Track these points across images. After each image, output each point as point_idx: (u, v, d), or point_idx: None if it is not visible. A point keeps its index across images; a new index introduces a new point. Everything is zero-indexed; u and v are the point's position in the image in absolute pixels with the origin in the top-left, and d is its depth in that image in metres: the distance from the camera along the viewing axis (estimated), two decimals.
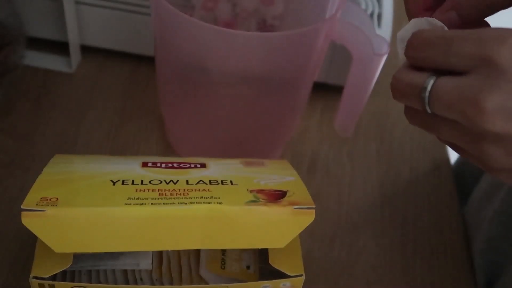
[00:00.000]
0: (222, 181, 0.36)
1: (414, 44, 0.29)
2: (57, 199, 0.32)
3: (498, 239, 0.44)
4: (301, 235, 0.35)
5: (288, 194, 0.35)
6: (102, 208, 0.32)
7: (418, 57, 0.29)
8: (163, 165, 0.39)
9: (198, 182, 0.36)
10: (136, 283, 0.37)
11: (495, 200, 0.45)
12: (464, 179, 0.58)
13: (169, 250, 0.38)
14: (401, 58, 0.31)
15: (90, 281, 0.37)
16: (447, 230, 0.52)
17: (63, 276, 0.36)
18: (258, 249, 0.39)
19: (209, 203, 0.33)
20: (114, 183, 0.35)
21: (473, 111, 0.25)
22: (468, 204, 0.51)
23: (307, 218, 0.34)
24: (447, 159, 0.58)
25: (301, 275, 0.36)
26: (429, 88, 0.28)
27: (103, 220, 0.32)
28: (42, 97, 0.57)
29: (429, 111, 0.28)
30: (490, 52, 0.25)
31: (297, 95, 0.49)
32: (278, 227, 0.34)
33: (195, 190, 0.35)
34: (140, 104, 0.58)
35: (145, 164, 0.39)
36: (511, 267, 0.42)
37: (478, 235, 0.46)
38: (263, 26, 0.53)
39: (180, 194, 0.34)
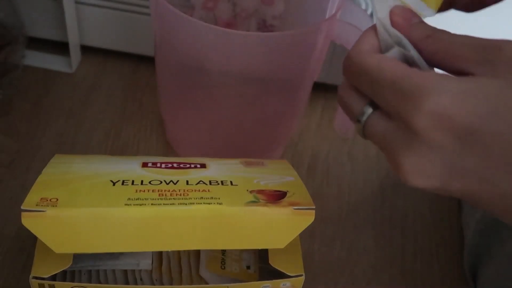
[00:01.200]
0: (222, 182, 0.36)
1: (348, 68, 0.30)
2: (57, 199, 0.32)
3: (476, 247, 0.45)
4: (301, 235, 0.35)
5: (288, 195, 0.35)
6: (102, 209, 0.32)
7: (352, 81, 0.30)
8: (163, 165, 0.39)
9: (198, 183, 0.36)
10: (136, 283, 0.37)
11: (477, 210, 0.46)
12: None
13: (169, 250, 0.38)
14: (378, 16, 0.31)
15: (90, 281, 0.37)
16: (447, 230, 0.52)
17: (63, 276, 0.36)
18: (258, 249, 0.39)
19: (209, 203, 0.33)
20: (114, 184, 0.35)
21: (394, 165, 0.27)
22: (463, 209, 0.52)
23: (307, 218, 0.34)
24: None
25: (301, 275, 0.36)
26: (364, 118, 0.29)
27: (103, 221, 0.32)
28: (42, 97, 0.57)
29: (363, 136, 0.30)
30: (406, 113, 0.26)
31: (297, 95, 0.49)
32: (278, 228, 0.34)
33: (195, 190, 0.35)
34: (140, 104, 0.58)
35: (145, 164, 0.39)
36: (486, 270, 0.42)
37: (465, 242, 0.47)
38: (263, 26, 0.53)
39: (180, 195, 0.34)
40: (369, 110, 0.29)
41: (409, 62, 0.29)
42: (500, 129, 0.24)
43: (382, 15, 0.31)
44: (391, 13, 0.30)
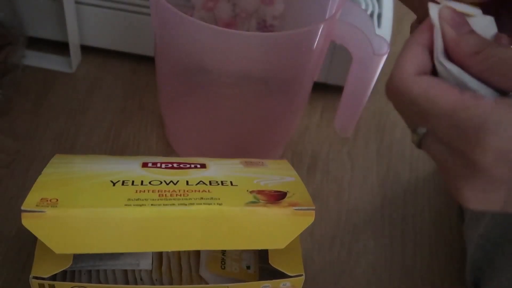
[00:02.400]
0: (222, 182, 0.36)
1: (392, 93, 0.27)
2: (57, 200, 0.32)
3: (479, 261, 0.45)
4: (301, 235, 0.35)
5: (288, 195, 0.35)
6: (102, 209, 0.32)
7: (398, 108, 0.27)
8: (163, 166, 0.39)
9: (198, 183, 0.36)
10: (136, 283, 0.37)
11: (480, 225, 0.46)
12: None
13: (169, 250, 0.38)
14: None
15: (90, 281, 0.37)
16: (447, 230, 0.52)
17: (63, 276, 0.36)
18: (258, 249, 0.39)
19: (209, 204, 0.33)
20: (114, 184, 0.35)
21: (454, 190, 0.26)
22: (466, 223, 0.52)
23: (307, 219, 0.34)
24: None
25: (301, 275, 0.36)
26: (420, 134, 0.27)
27: (103, 221, 0.32)
28: (42, 97, 0.57)
29: (418, 147, 0.28)
30: (467, 149, 0.24)
31: (297, 95, 0.49)
32: (278, 228, 0.34)
33: (195, 191, 0.35)
34: (140, 104, 0.58)
35: (145, 165, 0.39)
36: (490, 285, 0.42)
37: (468, 256, 0.47)
38: (263, 26, 0.53)
39: (180, 195, 0.34)
40: (423, 129, 0.27)
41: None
42: None
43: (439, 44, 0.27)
44: (440, 16, 0.27)
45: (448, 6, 0.28)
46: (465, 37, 0.27)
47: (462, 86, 0.27)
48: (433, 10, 0.28)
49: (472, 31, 0.27)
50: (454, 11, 0.28)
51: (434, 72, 0.28)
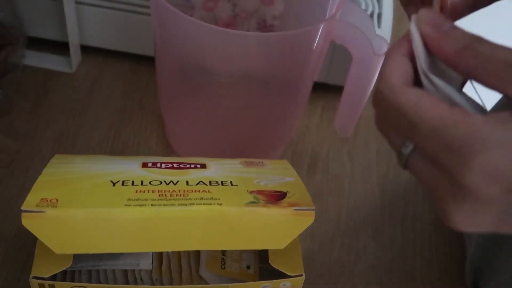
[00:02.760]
0: (222, 182, 0.36)
1: (379, 104, 0.26)
2: (57, 200, 0.32)
3: (478, 261, 0.45)
4: (301, 235, 0.35)
5: (288, 195, 0.35)
6: (102, 209, 0.32)
7: (386, 119, 0.27)
8: (163, 166, 0.39)
9: (198, 183, 0.36)
10: (136, 283, 0.37)
11: None
12: None
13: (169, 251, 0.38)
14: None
15: (90, 281, 0.37)
16: (446, 230, 0.52)
17: (63, 276, 0.36)
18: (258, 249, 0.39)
19: (209, 204, 0.33)
20: (114, 184, 0.35)
21: (442, 212, 0.25)
22: None
23: (307, 219, 0.34)
24: None
25: (301, 275, 0.36)
26: (406, 152, 0.26)
27: (103, 222, 0.32)
28: (42, 97, 0.57)
29: (404, 168, 0.27)
30: (454, 168, 0.23)
31: (297, 95, 0.49)
32: (278, 229, 0.34)
33: (195, 191, 0.35)
34: (140, 104, 0.58)
35: (145, 165, 0.39)
36: (489, 285, 0.42)
37: (467, 256, 0.47)
38: (263, 26, 0.53)
39: (180, 195, 0.34)
40: (411, 146, 0.26)
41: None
42: None
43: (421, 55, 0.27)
44: (418, 21, 0.26)
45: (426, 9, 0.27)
46: (449, 33, 0.26)
47: (447, 100, 0.26)
48: (413, 23, 0.27)
49: (455, 26, 0.26)
50: (433, 12, 0.27)
51: (417, 84, 0.27)
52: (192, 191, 0.35)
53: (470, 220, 0.25)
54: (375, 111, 0.27)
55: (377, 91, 0.26)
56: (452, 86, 0.27)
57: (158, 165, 0.39)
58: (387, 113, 0.26)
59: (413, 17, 0.27)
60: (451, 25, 0.26)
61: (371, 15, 0.57)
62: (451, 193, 0.24)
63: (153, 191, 0.34)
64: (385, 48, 0.42)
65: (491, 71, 0.24)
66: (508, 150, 0.22)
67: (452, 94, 0.26)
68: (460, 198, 0.24)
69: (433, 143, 0.24)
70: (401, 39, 0.27)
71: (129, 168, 0.38)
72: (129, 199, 0.33)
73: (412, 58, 0.27)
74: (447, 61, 0.26)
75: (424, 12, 0.26)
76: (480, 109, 0.27)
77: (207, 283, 0.38)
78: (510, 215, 0.24)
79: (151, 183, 0.35)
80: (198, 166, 0.39)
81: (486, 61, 0.24)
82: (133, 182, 0.35)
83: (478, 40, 0.25)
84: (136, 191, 0.34)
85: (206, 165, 0.40)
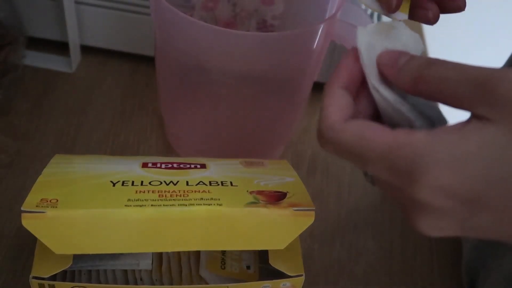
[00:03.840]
0: (222, 182, 0.36)
1: (325, 145, 0.27)
2: (57, 200, 0.32)
3: (474, 261, 0.45)
4: (301, 235, 0.35)
5: (288, 196, 0.35)
6: (102, 210, 0.32)
7: (336, 155, 0.27)
8: (163, 166, 0.39)
9: (198, 183, 0.36)
10: (136, 283, 0.37)
11: None
12: None
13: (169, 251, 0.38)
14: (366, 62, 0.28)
15: (90, 281, 0.37)
16: None
17: (63, 276, 0.36)
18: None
19: (209, 204, 0.33)
20: (114, 184, 0.35)
21: (408, 220, 0.26)
22: None
23: (307, 219, 0.34)
24: None
25: (301, 275, 0.36)
26: (369, 174, 0.28)
27: (103, 222, 0.32)
28: (42, 97, 0.57)
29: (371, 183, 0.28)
30: (406, 189, 0.24)
31: (297, 95, 0.49)
32: (278, 229, 0.34)
33: (195, 191, 0.35)
34: (140, 104, 0.58)
35: (145, 165, 0.39)
36: (484, 286, 0.42)
37: (463, 257, 0.47)
38: (263, 26, 0.53)
39: (180, 196, 0.34)
40: None
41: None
42: (505, 191, 0.23)
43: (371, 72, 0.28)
44: (378, 64, 0.28)
45: (386, 50, 0.28)
46: (404, 66, 0.27)
47: (399, 114, 0.27)
48: (360, 38, 0.29)
49: (412, 57, 0.27)
50: (389, 52, 0.28)
51: (368, 102, 0.28)
52: (192, 191, 0.35)
53: (434, 227, 0.25)
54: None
55: (318, 131, 0.27)
56: (403, 98, 0.27)
57: (158, 165, 0.39)
58: (335, 151, 0.27)
59: (358, 32, 0.29)
60: (407, 58, 0.27)
61: (371, 15, 0.57)
62: (411, 206, 0.25)
63: (153, 192, 0.34)
64: None
65: (445, 93, 0.25)
66: (454, 166, 0.23)
67: (402, 108, 0.27)
68: (419, 210, 0.25)
69: (383, 169, 0.25)
70: (336, 70, 0.28)
71: (129, 168, 0.38)
72: (129, 200, 0.33)
73: (351, 85, 0.28)
74: (407, 91, 0.27)
75: (383, 55, 0.28)
76: (437, 118, 0.27)
77: (207, 283, 0.38)
78: (472, 225, 0.25)
79: (151, 183, 0.35)
80: (198, 166, 0.39)
81: (438, 85, 0.25)
82: (133, 182, 0.35)
83: (428, 66, 0.25)
84: (136, 192, 0.34)
85: (206, 165, 0.40)
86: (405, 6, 0.33)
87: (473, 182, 0.23)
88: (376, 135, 0.25)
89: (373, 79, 0.27)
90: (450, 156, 0.23)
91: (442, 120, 0.28)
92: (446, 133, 0.24)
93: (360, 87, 0.29)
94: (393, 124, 0.28)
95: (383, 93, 0.27)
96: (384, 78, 0.28)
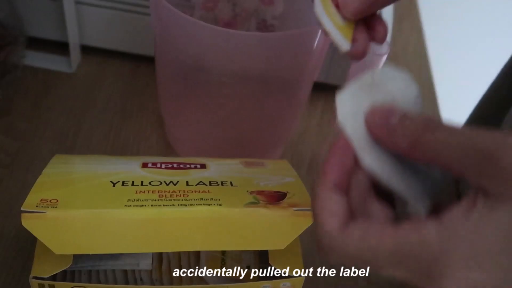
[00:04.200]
0: (222, 182, 0.36)
1: (329, 255, 0.25)
2: (57, 200, 0.32)
3: None
4: (301, 235, 0.35)
5: (288, 196, 0.35)
6: (102, 210, 0.32)
7: (343, 263, 0.27)
8: (163, 166, 0.39)
9: (198, 183, 0.36)
10: (136, 283, 0.37)
11: None
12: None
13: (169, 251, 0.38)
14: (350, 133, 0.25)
15: (90, 281, 0.37)
16: None
17: (63, 276, 0.36)
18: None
19: (209, 205, 0.33)
20: (114, 184, 0.35)
21: None
22: None
23: (307, 220, 0.34)
24: None
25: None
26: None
27: (103, 222, 0.32)
28: (42, 97, 0.57)
29: None
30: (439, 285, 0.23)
31: (297, 95, 0.49)
32: (278, 229, 0.34)
33: (195, 191, 0.35)
34: (140, 104, 0.58)
35: (145, 165, 0.39)
36: None
37: None
38: (263, 26, 0.53)
39: (180, 196, 0.34)
40: None
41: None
42: None
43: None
44: (368, 126, 0.25)
45: (373, 108, 0.25)
46: (397, 127, 0.24)
47: (394, 191, 0.25)
48: (341, 108, 0.25)
49: (405, 115, 0.24)
50: (378, 110, 0.25)
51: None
52: (192, 191, 0.35)
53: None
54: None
55: (318, 241, 0.25)
56: (398, 166, 0.25)
57: (158, 165, 0.39)
58: (338, 259, 0.25)
59: (338, 101, 0.25)
60: (398, 117, 0.24)
61: None
62: None
63: (153, 192, 0.34)
64: (385, 48, 0.42)
65: (445, 160, 0.23)
66: (473, 264, 0.22)
67: (394, 187, 0.25)
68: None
69: (397, 270, 0.23)
70: (325, 166, 0.26)
71: (129, 168, 0.38)
72: (129, 200, 0.33)
73: (343, 178, 0.25)
74: (403, 155, 0.24)
75: (372, 113, 0.25)
76: (429, 193, 0.25)
77: (207, 283, 0.38)
78: None
79: (151, 183, 0.35)
80: (198, 166, 0.39)
81: (438, 153, 0.23)
82: (133, 182, 0.35)
83: (426, 129, 0.23)
84: (136, 192, 0.34)
85: (206, 165, 0.40)
86: (348, 33, 0.32)
87: (498, 275, 0.22)
88: (381, 240, 0.23)
89: (364, 155, 0.25)
90: (470, 252, 0.22)
91: (438, 187, 0.26)
92: (456, 223, 0.23)
93: (355, 165, 0.26)
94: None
95: (376, 172, 0.25)
96: (376, 140, 0.25)
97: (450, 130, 0.23)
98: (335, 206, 0.25)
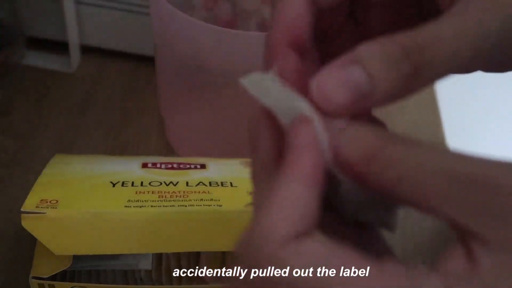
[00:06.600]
0: (222, 183, 0.36)
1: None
2: (57, 201, 0.32)
3: None
4: None
5: None
6: (102, 211, 0.32)
7: None
8: (163, 166, 0.39)
9: (198, 184, 0.36)
10: (136, 283, 0.37)
11: None
12: None
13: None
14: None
15: (90, 281, 0.37)
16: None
17: (63, 276, 0.36)
18: None
19: (209, 205, 0.33)
20: (114, 185, 0.35)
21: None
22: None
23: None
24: None
25: None
26: None
27: (103, 223, 0.32)
28: (42, 97, 0.57)
29: None
30: None
31: None
32: None
33: (195, 192, 0.35)
34: (140, 104, 0.58)
35: (145, 165, 0.39)
36: None
37: None
38: (263, 26, 0.53)
39: (180, 197, 0.34)
40: None
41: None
42: None
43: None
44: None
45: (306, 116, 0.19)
46: (346, 135, 0.18)
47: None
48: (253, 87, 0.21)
49: (353, 126, 0.18)
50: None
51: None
52: (192, 192, 0.35)
53: None
54: None
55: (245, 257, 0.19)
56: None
57: (158, 165, 0.39)
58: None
59: (246, 83, 0.21)
60: (344, 122, 0.18)
61: None
62: None
63: (153, 192, 0.34)
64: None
65: (417, 185, 0.16)
66: None
67: (363, 210, 0.20)
68: None
69: None
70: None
71: (129, 168, 0.38)
72: (129, 200, 0.33)
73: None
74: (349, 176, 0.18)
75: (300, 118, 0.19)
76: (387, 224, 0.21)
77: (207, 283, 0.38)
78: None
79: (151, 184, 0.35)
80: (198, 166, 0.39)
81: (407, 174, 0.16)
82: (133, 183, 0.35)
83: (388, 142, 0.17)
84: (136, 192, 0.34)
85: (206, 166, 0.40)
86: None
87: None
88: (347, 259, 0.17)
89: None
90: None
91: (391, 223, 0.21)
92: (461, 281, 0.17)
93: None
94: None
95: (342, 190, 0.19)
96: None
97: (425, 148, 0.16)
98: (290, 209, 0.19)
